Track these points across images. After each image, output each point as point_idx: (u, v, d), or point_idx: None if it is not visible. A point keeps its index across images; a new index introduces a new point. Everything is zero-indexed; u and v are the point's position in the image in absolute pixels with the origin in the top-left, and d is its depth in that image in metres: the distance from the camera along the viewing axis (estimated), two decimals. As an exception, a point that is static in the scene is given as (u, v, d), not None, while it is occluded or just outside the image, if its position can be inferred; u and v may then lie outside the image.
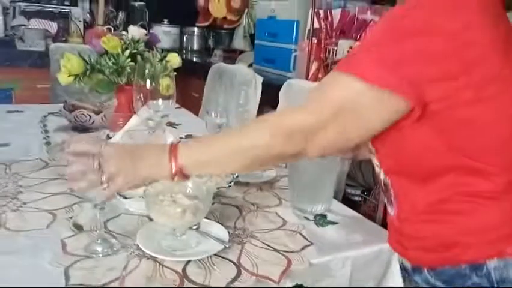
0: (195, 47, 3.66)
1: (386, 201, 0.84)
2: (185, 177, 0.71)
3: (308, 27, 2.23)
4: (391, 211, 0.81)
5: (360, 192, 1.98)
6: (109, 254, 0.78)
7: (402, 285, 0.87)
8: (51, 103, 2.14)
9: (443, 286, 0.71)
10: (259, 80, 1.73)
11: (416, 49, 0.60)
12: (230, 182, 1.03)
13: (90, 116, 1.56)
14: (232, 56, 3.24)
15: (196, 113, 2.02)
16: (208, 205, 0.81)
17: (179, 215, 0.77)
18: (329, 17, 2.12)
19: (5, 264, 0.73)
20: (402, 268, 0.88)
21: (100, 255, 0.77)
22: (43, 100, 2.27)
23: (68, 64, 1.23)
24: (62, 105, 1.71)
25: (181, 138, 1.45)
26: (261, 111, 1.77)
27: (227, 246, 0.81)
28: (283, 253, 0.82)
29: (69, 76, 1.27)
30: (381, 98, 0.62)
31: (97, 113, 1.57)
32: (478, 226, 0.68)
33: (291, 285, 0.78)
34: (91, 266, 0.74)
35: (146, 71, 1.12)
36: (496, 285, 0.65)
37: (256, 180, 1.18)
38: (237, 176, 1.07)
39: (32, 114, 1.79)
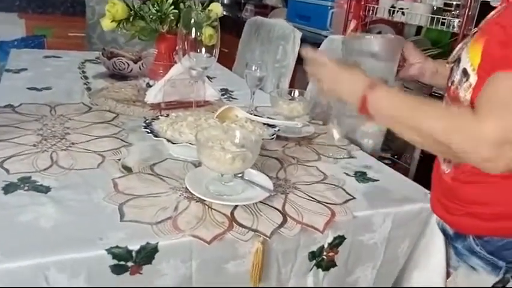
0: (225, 0, 3.59)
1: (441, 160, 0.82)
2: (371, 117, 0.76)
3: (348, -17, 2.15)
4: (446, 169, 0.80)
5: (391, 155, 1.97)
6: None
7: (442, 244, 0.88)
8: (86, 51, 2.16)
9: (487, 255, 0.69)
10: (298, 35, 1.70)
11: None
12: (272, 135, 1.03)
13: (128, 64, 1.57)
14: (263, 11, 3.17)
15: (228, 69, 2.01)
16: (255, 154, 0.82)
17: (229, 160, 0.78)
18: (371, -27, 2.04)
19: (63, 197, 0.77)
20: (442, 231, 0.88)
21: None
22: (75, 48, 2.29)
23: (112, 9, 1.23)
24: (99, 52, 1.72)
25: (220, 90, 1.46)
26: (296, 68, 1.75)
27: (272, 194, 0.83)
28: (327, 205, 0.84)
29: (112, 22, 1.27)
30: None
31: (135, 61, 1.58)
32: None
33: (333, 236, 0.81)
34: (144, 205, 0.77)
35: (192, 19, 1.11)
36: None
37: (295, 135, 1.18)
38: (278, 130, 1.08)
39: (70, 60, 1.81)
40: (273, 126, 1.09)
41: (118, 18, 1.26)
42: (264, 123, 1.09)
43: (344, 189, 0.91)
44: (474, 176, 0.70)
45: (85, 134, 1.06)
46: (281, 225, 0.76)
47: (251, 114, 1.14)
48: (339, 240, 0.81)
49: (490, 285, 0.71)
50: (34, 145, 0.96)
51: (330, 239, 0.80)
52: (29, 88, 1.38)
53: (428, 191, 0.91)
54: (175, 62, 1.38)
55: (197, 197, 0.79)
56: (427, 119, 0.67)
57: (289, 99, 1.25)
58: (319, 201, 0.85)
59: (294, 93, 1.28)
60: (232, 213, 0.77)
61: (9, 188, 0.78)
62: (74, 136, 1.03)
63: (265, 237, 0.73)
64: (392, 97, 0.74)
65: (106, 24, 1.29)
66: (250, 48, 1.97)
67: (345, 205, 0.85)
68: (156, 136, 0.95)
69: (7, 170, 0.84)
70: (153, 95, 1.27)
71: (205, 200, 0.79)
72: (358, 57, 0.98)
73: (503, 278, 0.68)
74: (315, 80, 0.88)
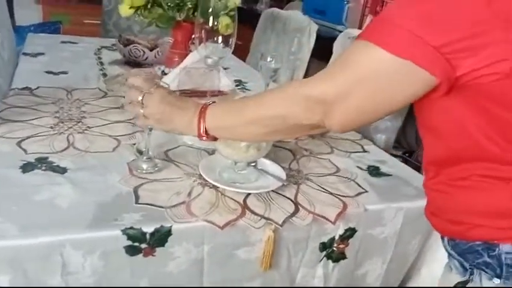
0: (241, -7, 3.57)
1: None
2: (214, 138, 0.75)
3: (366, -23, 2.14)
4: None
5: (402, 153, 1.96)
6: (151, 172, 0.83)
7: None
8: (101, 38, 2.17)
9: (457, 257, 0.68)
10: (314, 27, 1.69)
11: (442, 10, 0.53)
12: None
13: (144, 52, 1.57)
14: (279, 5, 3.16)
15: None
16: (270, 144, 0.83)
17: (243, 148, 0.79)
18: (390, -32, 2.02)
19: (79, 178, 0.78)
20: None
21: (144, 171, 0.83)
22: (90, 35, 2.30)
23: (131, -5, 1.24)
24: (114, 39, 1.73)
25: (235, 81, 1.46)
26: (311, 61, 1.74)
27: (285, 183, 0.83)
28: (339, 197, 0.84)
29: (130, 8, 1.28)
30: (405, 70, 0.55)
31: (151, 49, 1.59)
32: (488, 207, 0.62)
33: (344, 228, 0.81)
34: (158, 189, 0.78)
35: (210, 8, 1.12)
36: (504, 270, 0.61)
37: (308, 127, 1.18)
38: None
39: (86, 47, 1.82)
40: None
41: (136, 4, 1.27)
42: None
43: (357, 183, 0.91)
44: (437, 185, 0.69)
45: (101, 118, 1.07)
46: (293, 215, 0.76)
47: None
48: (350, 233, 0.82)
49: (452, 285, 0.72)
50: (51, 127, 0.98)
51: (341, 231, 0.81)
52: (46, 72, 1.40)
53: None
54: (191, 51, 1.38)
55: (210, 183, 0.80)
56: (262, 107, 0.69)
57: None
58: (331, 193, 0.85)
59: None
60: (244, 200, 0.78)
61: (26, 167, 0.79)
62: (90, 120, 1.05)
63: (277, 226, 0.74)
64: (222, 110, 0.75)
65: (124, 10, 1.29)
66: (265, 40, 1.97)
67: (357, 198, 0.85)
68: (171, 122, 0.96)
69: (25, 150, 0.85)
70: (168, 83, 1.28)
71: (218, 187, 0.80)
72: None
73: (467, 280, 0.68)
74: (139, 118, 0.78)
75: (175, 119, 0.76)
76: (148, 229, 0.67)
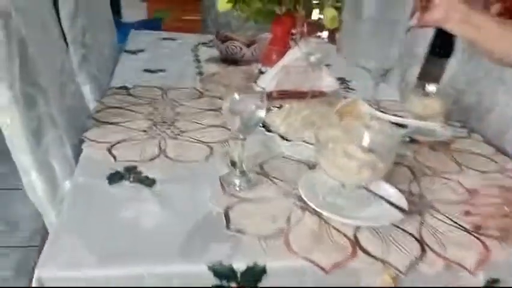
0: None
1: None
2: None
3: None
4: None
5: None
6: (244, 189, 0.73)
7: None
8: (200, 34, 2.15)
9: None
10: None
11: None
12: (405, 137, 0.87)
13: (241, 48, 1.49)
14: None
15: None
16: (388, 163, 0.67)
17: (355, 169, 0.64)
18: None
19: (168, 193, 0.70)
20: None
21: (237, 187, 0.73)
22: (189, 31, 2.30)
23: (229, -12, 1.15)
24: (212, 36, 1.68)
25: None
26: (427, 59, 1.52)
27: (406, 215, 0.67)
28: (478, 234, 0.65)
29: (228, 2, 1.19)
30: None
31: (248, 45, 1.50)
32: None
33: (486, 279, 0.62)
34: (252, 212, 0.66)
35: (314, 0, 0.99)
36: None
37: (428, 138, 0.99)
38: (412, 131, 0.90)
39: (184, 43, 1.79)
40: (401, 125, 0.92)
41: (234, -2, 1.18)
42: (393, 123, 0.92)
43: (499, 216, 0.71)
44: None
45: (194, 121, 0.99)
46: (420, 258, 0.60)
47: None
48: (494, 286, 0.63)
49: None
50: (144, 131, 0.92)
51: (481, 283, 0.62)
52: (144, 70, 1.37)
53: None
54: (289, 48, 1.26)
55: (312, 208, 0.67)
56: None
57: (423, 94, 1.06)
58: (466, 229, 0.67)
59: (427, 86, 1.07)
60: (355, 235, 0.63)
61: (114, 178, 0.73)
62: (183, 123, 0.98)
63: (398, 273, 0.58)
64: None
65: (222, 4, 1.21)
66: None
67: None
68: (268, 131, 0.85)
69: (114, 157, 0.80)
70: (265, 83, 1.17)
71: (322, 213, 0.66)
72: None
73: None
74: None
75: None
76: (239, 265, 0.56)
